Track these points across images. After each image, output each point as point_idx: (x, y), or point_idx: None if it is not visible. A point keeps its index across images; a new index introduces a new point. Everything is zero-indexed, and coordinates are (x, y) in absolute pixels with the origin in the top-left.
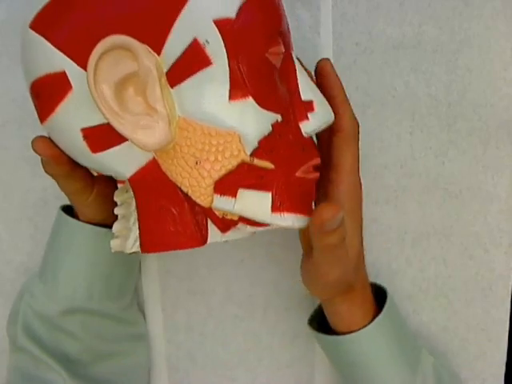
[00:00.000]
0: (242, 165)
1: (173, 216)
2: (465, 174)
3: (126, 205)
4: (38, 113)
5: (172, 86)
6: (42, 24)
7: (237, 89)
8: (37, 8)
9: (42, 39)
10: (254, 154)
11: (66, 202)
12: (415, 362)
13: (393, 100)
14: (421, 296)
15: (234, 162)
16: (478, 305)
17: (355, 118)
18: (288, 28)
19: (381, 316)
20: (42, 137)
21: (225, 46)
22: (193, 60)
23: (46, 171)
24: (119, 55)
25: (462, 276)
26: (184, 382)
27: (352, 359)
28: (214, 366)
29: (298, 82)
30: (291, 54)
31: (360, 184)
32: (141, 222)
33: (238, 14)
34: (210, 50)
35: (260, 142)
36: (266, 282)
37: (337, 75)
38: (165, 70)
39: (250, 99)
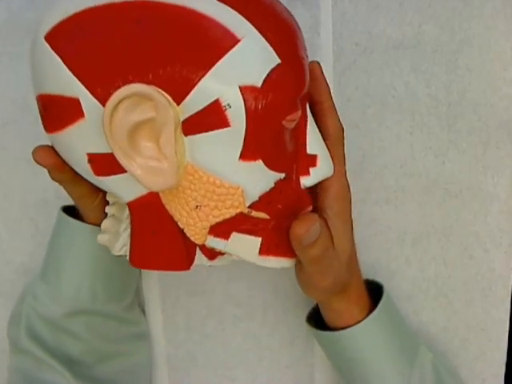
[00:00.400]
0: (240, 214)
1: (164, 241)
2: (465, 174)
3: (117, 205)
4: (43, 122)
5: (186, 135)
6: (58, 41)
7: (249, 152)
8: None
9: (58, 59)
10: (252, 206)
11: (67, 202)
12: (413, 357)
13: (393, 100)
14: (421, 296)
15: (233, 212)
16: (477, 305)
17: (341, 124)
18: (307, 82)
19: (377, 310)
20: (42, 146)
21: (245, 112)
22: (211, 118)
23: (51, 178)
24: (139, 101)
25: (461, 276)
26: (184, 381)
27: (350, 354)
28: (213, 366)
29: (307, 135)
30: (306, 108)
31: (348, 186)
32: (133, 238)
33: (264, 82)
34: (230, 114)
35: (260, 197)
36: (266, 282)
37: (325, 80)
38: (181, 119)
39: (260, 162)
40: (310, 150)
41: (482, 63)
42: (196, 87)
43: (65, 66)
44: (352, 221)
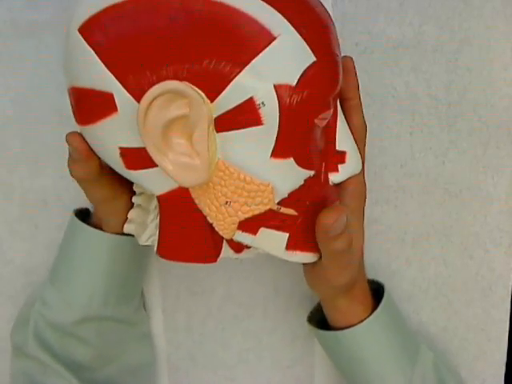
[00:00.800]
0: (269, 211)
1: (192, 234)
2: (465, 174)
3: (144, 196)
4: (74, 114)
5: (218, 131)
6: (93, 35)
7: (281, 149)
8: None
9: (93, 53)
10: (281, 202)
11: (67, 202)
12: (414, 356)
13: (393, 100)
14: (421, 296)
15: (262, 209)
16: (477, 305)
17: (365, 122)
18: (341, 79)
19: (379, 309)
20: (76, 132)
21: (279, 110)
22: (245, 116)
23: (72, 174)
24: (173, 98)
25: (461, 276)
26: (184, 381)
27: (352, 354)
28: (213, 366)
29: (337, 132)
30: (337, 105)
31: (365, 185)
32: (161, 231)
33: (299, 81)
34: (263, 112)
35: (290, 194)
36: (266, 282)
37: (356, 76)
38: (214, 116)
39: (291, 160)
40: (339, 147)
41: (482, 63)
42: (230, 84)
43: (99, 60)
44: (364, 218)
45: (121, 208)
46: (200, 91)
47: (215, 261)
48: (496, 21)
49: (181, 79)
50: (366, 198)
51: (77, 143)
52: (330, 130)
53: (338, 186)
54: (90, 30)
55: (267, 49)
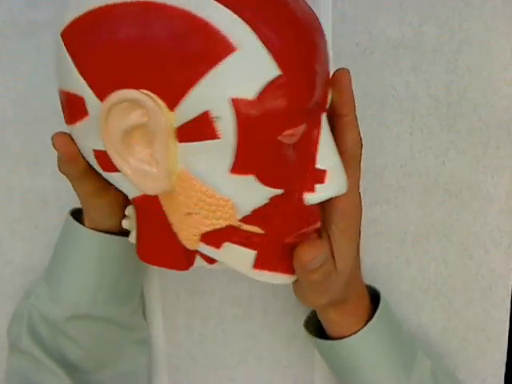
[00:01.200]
0: (231, 226)
1: (165, 240)
2: (465, 173)
3: None
4: (63, 113)
5: (180, 142)
6: (71, 39)
7: (239, 165)
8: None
9: (68, 57)
10: (244, 219)
11: (67, 202)
12: (410, 364)
13: (393, 100)
14: (420, 296)
15: (223, 224)
16: (477, 305)
17: (360, 139)
18: (316, 93)
19: (373, 320)
20: (62, 133)
21: (237, 125)
22: (201, 129)
23: (60, 170)
24: (132, 107)
25: (461, 276)
26: (184, 381)
27: (346, 363)
28: (213, 366)
29: (318, 148)
30: (319, 120)
31: (360, 204)
32: (138, 233)
33: (259, 96)
34: (219, 126)
35: (253, 211)
36: (266, 282)
37: (351, 92)
38: (175, 126)
39: (252, 176)
40: (319, 165)
41: (482, 63)
42: (187, 95)
43: (73, 64)
44: (359, 238)
45: (105, 205)
46: (160, 101)
47: (187, 269)
48: (496, 21)
49: (142, 88)
50: (360, 217)
51: (59, 145)
52: (310, 146)
53: (328, 203)
54: (70, 34)
55: (225, 60)
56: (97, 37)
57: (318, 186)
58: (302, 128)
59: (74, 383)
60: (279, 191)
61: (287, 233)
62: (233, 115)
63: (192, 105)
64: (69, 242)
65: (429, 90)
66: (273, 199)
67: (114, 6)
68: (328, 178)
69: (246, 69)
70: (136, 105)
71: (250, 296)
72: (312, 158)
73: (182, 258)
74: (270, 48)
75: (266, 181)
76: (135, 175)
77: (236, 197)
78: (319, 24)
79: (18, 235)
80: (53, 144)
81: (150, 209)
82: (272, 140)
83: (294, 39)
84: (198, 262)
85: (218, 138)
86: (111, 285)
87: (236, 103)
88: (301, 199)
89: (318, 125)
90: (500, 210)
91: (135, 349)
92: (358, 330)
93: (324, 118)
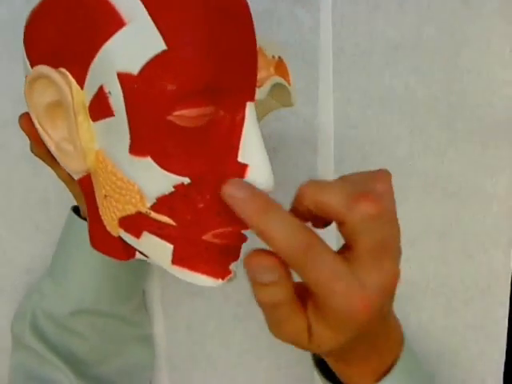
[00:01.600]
0: (141, 213)
1: (101, 226)
2: (464, 173)
3: None
4: None
5: (93, 120)
6: (26, 24)
7: (136, 146)
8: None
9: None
10: (153, 207)
11: (68, 202)
12: None
13: (393, 100)
14: (420, 296)
15: (133, 210)
16: (477, 304)
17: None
18: (246, 78)
19: (387, 380)
20: (26, 113)
21: (124, 101)
22: (100, 106)
23: (32, 152)
24: (49, 84)
25: (461, 275)
26: (184, 381)
27: None
28: (214, 366)
29: (241, 141)
30: (243, 108)
31: (389, 224)
32: (88, 219)
33: (142, 71)
34: (112, 102)
35: (158, 199)
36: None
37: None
38: (87, 104)
39: (149, 159)
40: (240, 158)
41: (482, 64)
42: (89, 70)
43: (24, 49)
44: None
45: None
46: (73, 78)
47: (125, 258)
48: (495, 21)
49: (60, 65)
50: (391, 246)
51: (22, 126)
52: (230, 136)
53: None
54: (26, 23)
55: (116, 35)
56: (32, 20)
57: None
58: (202, 111)
59: (77, 378)
60: (184, 179)
61: (202, 229)
62: (120, 90)
63: (93, 81)
64: (72, 237)
65: (428, 90)
66: (179, 188)
67: None
68: (249, 173)
69: (133, 43)
70: (51, 81)
71: (250, 296)
72: (234, 150)
73: (120, 247)
74: (159, 22)
75: (163, 165)
76: (58, 152)
77: (139, 181)
78: (239, 4)
79: (18, 235)
80: (19, 122)
81: (89, 191)
82: (161, 119)
83: (188, 14)
84: (138, 254)
85: (113, 116)
86: (115, 280)
87: (122, 78)
88: (217, 193)
89: (238, 113)
90: (499, 209)
91: (138, 345)
92: None
93: (250, 106)
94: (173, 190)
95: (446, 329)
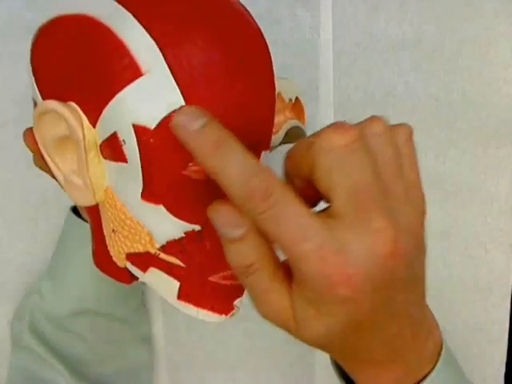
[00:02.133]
0: (150, 253)
1: (107, 251)
2: (465, 173)
3: None
4: None
5: (104, 158)
6: (32, 49)
7: (148, 194)
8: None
9: (30, 66)
10: (162, 249)
11: (67, 202)
12: None
13: (393, 100)
14: None
15: (141, 249)
16: (477, 305)
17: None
18: (260, 131)
19: None
20: (30, 128)
21: (139, 152)
22: (113, 150)
23: (35, 164)
24: (58, 118)
25: (461, 276)
26: (184, 381)
27: None
28: (214, 366)
29: None
30: (259, 158)
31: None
32: (93, 241)
33: (159, 125)
34: (126, 150)
35: (168, 242)
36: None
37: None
38: (99, 142)
39: (161, 207)
40: None
41: (482, 63)
42: (102, 114)
43: (32, 72)
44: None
45: None
46: (84, 116)
47: (128, 282)
48: (496, 21)
49: (72, 101)
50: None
51: (26, 140)
52: None
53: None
54: (32, 44)
55: (132, 85)
56: (42, 48)
57: None
58: None
59: (75, 378)
60: (195, 227)
61: (210, 271)
62: (135, 142)
63: (106, 124)
64: (71, 237)
65: (429, 89)
66: (189, 234)
67: (56, 18)
68: None
69: (150, 95)
70: (61, 116)
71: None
72: None
73: (124, 272)
74: (178, 75)
75: (176, 213)
76: (66, 184)
77: (150, 225)
78: (261, 56)
79: (17, 235)
80: (24, 141)
81: (96, 219)
82: (176, 173)
83: (208, 68)
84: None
85: (126, 162)
86: (113, 282)
87: (138, 130)
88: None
89: None
90: (500, 209)
91: (137, 345)
92: None
93: (264, 155)
94: (183, 235)
95: (446, 330)
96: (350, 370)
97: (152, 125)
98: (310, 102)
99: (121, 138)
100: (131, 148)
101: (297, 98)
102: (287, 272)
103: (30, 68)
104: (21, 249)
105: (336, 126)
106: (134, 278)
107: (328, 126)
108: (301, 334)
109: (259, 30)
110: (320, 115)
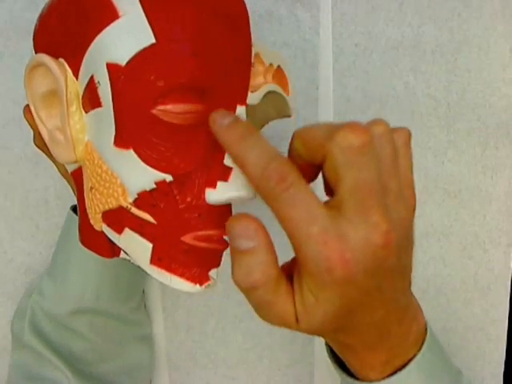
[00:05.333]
0: (122, 208)
1: (88, 220)
2: (464, 174)
3: None
4: None
5: (85, 112)
6: (37, 21)
7: (120, 137)
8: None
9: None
10: (134, 203)
11: (67, 201)
12: None
13: (393, 100)
14: (420, 296)
15: (114, 204)
16: (476, 304)
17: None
18: (238, 82)
19: (398, 376)
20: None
21: (111, 92)
22: (91, 96)
23: (35, 144)
24: (48, 72)
25: (460, 275)
26: (184, 381)
27: None
28: (214, 366)
29: None
30: (235, 111)
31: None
32: (78, 215)
33: (129, 62)
34: (100, 92)
35: (140, 194)
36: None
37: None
38: (80, 95)
39: (131, 151)
40: (226, 161)
41: (481, 64)
42: (83, 62)
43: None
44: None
45: None
46: (68, 68)
47: (109, 256)
48: (495, 22)
49: (59, 55)
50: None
51: (26, 115)
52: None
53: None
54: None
55: (109, 27)
56: (45, 10)
57: (220, 184)
58: (187, 108)
59: (76, 377)
60: (166, 176)
61: (182, 230)
62: (108, 80)
63: (85, 71)
64: (71, 237)
65: (428, 90)
66: (160, 185)
67: None
68: (232, 176)
69: (125, 36)
70: (49, 70)
71: None
72: (220, 152)
73: (105, 244)
74: (151, 16)
75: (145, 159)
76: (50, 141)
77: (122, 174)
78: (237, 7)
79: (18, 235)
80: (24, 115)
81: (80, 184)
82: (145, 112)
83: (181, 11)
84: (123, 253)
85: (101, 106)
86: (114, 280)
87: (110, 68)
88: (201, 194)
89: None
90: (499, 209)
91: (138, 344)
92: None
93: (241, 110)
94: (154, 186)
95: (445, 329)
96: (341, 354)
97: (123, 61)
98: (310, 102)
99: (96, 80)
100: (105, 88)
101: (279, 66)
102: (289, 280)
103: (32, 40)
104: (21, 249)
105: (354, 127)
106: (114, 252)
107: (347, 125)
108: (300, 325)
109: None
110: (320, 115)
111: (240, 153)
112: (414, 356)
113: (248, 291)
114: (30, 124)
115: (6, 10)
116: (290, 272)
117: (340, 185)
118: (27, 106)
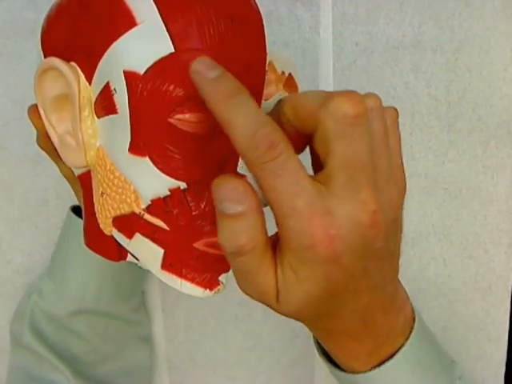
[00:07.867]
0: (134, 214)
1: (96, 224)
2: (465, 174)
3: None
4: None
5: (97, 117)
6: (44, 22)
7: (135, 145)
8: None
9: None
10: (147, 209)
11: (67, 202)
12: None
13: (393, 100)
14: (420, 296)
15: (127, 210)
16: (477, 304)
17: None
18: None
19: (385, 367)
20: (35, 105)
21: (128, 99)
22: (105, 102)
23: (38, 144)
24: (59, 76)
25: (461, 276)
26: (184, 381)
27: None
28: (213, 366)
29: None
30: None
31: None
32: (83, 216)
33: (148, 71)
34: (116, 99)
35: (153, 201)
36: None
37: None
38: (93, 100)
39: (147, 159)
40: (239, 169)
41: (482, 63)
42: (97, 68)
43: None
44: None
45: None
46: (81, 72)
47: (116, 259)
48: (496, 21)
49: (72, 59)
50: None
51: (31, 117)
52: (233, 147)
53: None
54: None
55: (127, 34)
56: (52, 11)
57: None
58: (204, 117)
59: (76, 378)
60: (180, 184)
61: (195, 236)
62: (125, 88)
63: (100, 77)
64: (71, 237)
65: (429, 89)
66: (174, 192)
67: None
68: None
69: (143, 44)
70: (61, 74)
71: None
72: (234, 160)
73: (113, 247)
74: (170, 25)
75: (161, 166)
76: (59, 145)
77: (136, 181)
78: (253, 17)
79: (18, 235)
80: (28, 114)
81: (88, 188)
82: (162, 121)
83: (200, 21)
84: (130, 257)
85: (117, 113)
86: (115, 280)
87: (128, 76)
88: (211, 201)
89: None
90: (500, 209)
91: (138, 345)
92: (371, 369)
93: None
94: (168, 193)
95: (446, 329)
96: (323, 342)
97: (141, 70)
98: None
99: (112, 87)
100: (121, 96)
101: (290, 74)
102: (275, 253)
103: (40, 41)
104: (21, 249)
105: (349, 96)
106: (122, 255)
107: (341, 93)
108: (280, 304)
109: None
110: None
111: (226, 113)
112: (402, 346)
113: (233, 255)
114: (34, 125)
115: (6, 9)
116: (275, 247)
117: (330, 157)
118: (33, 106)
